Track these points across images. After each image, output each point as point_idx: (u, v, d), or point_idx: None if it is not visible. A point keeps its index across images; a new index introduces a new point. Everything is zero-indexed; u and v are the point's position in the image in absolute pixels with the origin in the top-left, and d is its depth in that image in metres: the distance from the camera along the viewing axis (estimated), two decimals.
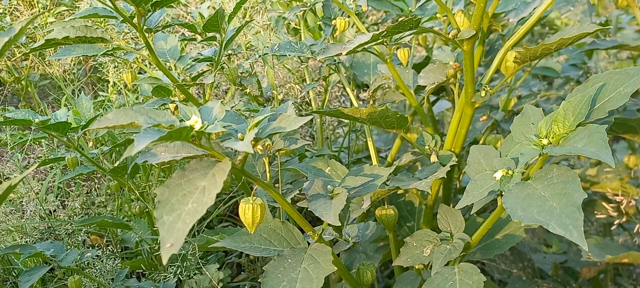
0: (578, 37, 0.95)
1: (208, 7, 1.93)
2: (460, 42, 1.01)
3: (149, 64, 1.49)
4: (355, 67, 1.50)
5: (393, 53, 1.19)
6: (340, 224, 0.82)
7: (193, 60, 1.29)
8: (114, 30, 1.44)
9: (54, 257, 1.17)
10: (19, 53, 2.09)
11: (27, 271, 1.13)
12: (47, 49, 1.97)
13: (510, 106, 1.45)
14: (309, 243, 0.94)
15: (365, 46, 0.96)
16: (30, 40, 2.07)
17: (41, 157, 1.73)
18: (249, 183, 1.30)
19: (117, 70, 1.88)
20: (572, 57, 1.69)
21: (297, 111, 1.56)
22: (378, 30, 0.90)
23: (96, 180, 1.80)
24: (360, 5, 1.21)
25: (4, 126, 1.70)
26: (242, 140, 0.74)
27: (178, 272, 1.30)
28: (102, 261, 1.29)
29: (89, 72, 2.35)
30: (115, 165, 1.39)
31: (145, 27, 1.08)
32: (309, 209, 0.88)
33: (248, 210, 0.82)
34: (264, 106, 1.47)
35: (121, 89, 1.95)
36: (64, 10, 2.22)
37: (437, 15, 1.40)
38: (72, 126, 1.28)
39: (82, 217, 1.58)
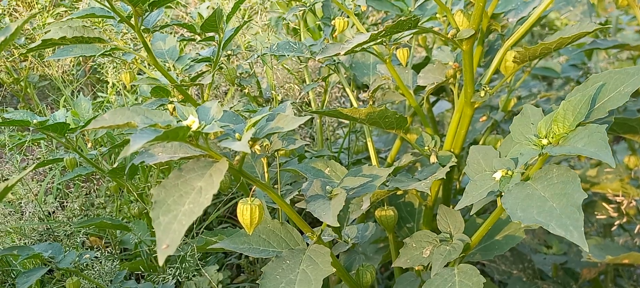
0: (577, 36, 0.94)
1: (207, 8, 1.92)
2: (459, 42, 1.00)
3: (148, 64, 1.48)
4: (355, 68, 1.49)
5: (392, 53, 1.18)
6: (339, 225, 0.82)
7: (192, 61, 1.28)
8: (112, 31, 1.44)
9: (52, 258, 1.17)
10: (18, 54, 2.09)
11: (25, 273, 1.13)
12: (46, 50, 1.97)
13: (510, 106, 1.44)
14: (307, 245, 0.93)
15: (364, 46, 0.95)
16: (30, 41, 2.07)
17: (40, 158, 1.73)
18: (248, 184, 1.29)
19: (116, 71, 1.87)
20: (572, 57, 1.68)
21: (296, 111, 1.56)
22: (377, 30, 0.90)
23: (95, 182, 1.79)
24: (359, 6, 1.20)
25: (2, 127, 1.69)
26: (240, 140, 0.74)
27: (177, 274, 1.30)
28: (100, 262, 1.29)
29: (88, 73, 2.35)
30: (114, 166, 1.39)
31: (142, 28, 1.08)
32: (307, 210, 0.88)
33: (246, 211, 0.81)
34: (263, 107, 1.46)
35: (120, 90, 1.94)
36: (63, 11, 2.22)
37: (437, 15, 1.39)
38: (70, 127, 1.28)
39: (81, 218, 1.57)
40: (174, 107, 1.25)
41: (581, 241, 0.65)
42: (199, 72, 1.28)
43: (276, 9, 1.68)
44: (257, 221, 0.82)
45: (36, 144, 1.79)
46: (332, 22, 1.28)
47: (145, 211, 1.49)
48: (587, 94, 0.75)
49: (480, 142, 1.49)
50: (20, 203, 1.58)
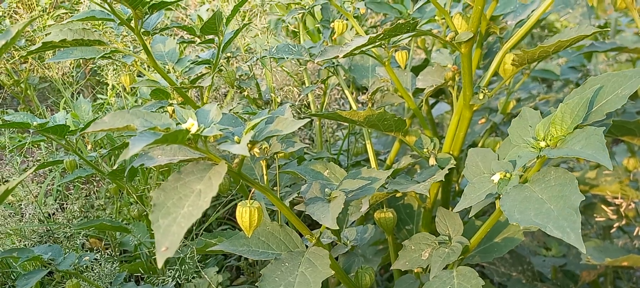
0: (576, 40, 0.95)
1: (207, 10, 1.93)
2: (458, 44, 1.01)
3: (148, 67, 1.49)
4: (354, 70, 1.49)
5: (391, 56, 1.18)
6: (338, 227, 0.82)
7: (191, 63, 1.28)
8: (113, 34, 1.44)
9: (52, 260, 1.17)
10: (18, 56, 2.09)
11: (25, 275, 1.13)
12: (46, 52, 1.97)
13: (509, 109, 1.45)
14: (306, 247, 0.93)
15: (363, 49, 0.96)
16: (30, 43, 2.07)
17: (40, 160, 1.73)
18: (247, 186, 1.29)
19: (116, 74, 1.88)
20: (571, 59, 1.69)
21: (295, 114, 1.56)
22: (376, 33, 0.90)
23: (95, 184, 1.80)
24: (358, 8, 1.21)
25: (3, 129, 1.69)
26: (239, 143, 0.74)
27: (176, 276, 1.30)
28: (100, 264, 1.29)
29: (88, 75, 2.35)
30: (114, 168, 1.39)
31: (142, 30, 1.08)
32: (307, 212, 0.88)
33: (245, 213, 0.81)
34: (263, 109, 1.47)
35: (120, 92, 1.95)
36: (63, 13, 2.23)
37: (436, 18, 1.39)
38: (70, 129, 1.28)
39: (81, 220, 1.57)
40: (174, 109, 1.25)
41: (578, 243, 0.65)
42: (199, 75, 1.29)
43: (275, 11, 1.69)
44: (256, 224, 0.82)
45: (36, 146, 1.80)
46: (331, 25, 1.28)
47: (145, 213, 1.49)
48: (584, 96, 0.76)
49: (479, 145, 1.49)
50: (21, 205, 1.59)
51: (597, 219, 1.45)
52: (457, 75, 1.19)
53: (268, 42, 1.54)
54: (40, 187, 1.72)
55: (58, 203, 1.71)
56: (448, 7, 1.27)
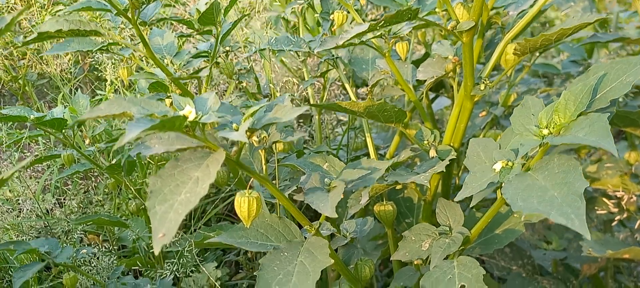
0: (578, 28, 0.94)
1: (206, 4, 1.92)
2: (459, 33, 1.00)
3: (146, 61, 1.48)
4: (354, 63, 1.48)
5: (391, 48, 1.17)
6: (337, 216, 0.81)
7: (190, 57, 1.27)
8: (111, 28, 1.43)
9: (48, 253, 1.16)
10: (16, 51, 2.08)
11: (21, 267, 1.12)
12: (44, 46, 1.96)
13: (510, 102, 1.43)
14: (305, 238, 0.92)
15: (363, 37, 0.95)
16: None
17: (38, 155, 1.72)
18: (245, 178, 1.28)
19: (114, 69, 1.87)
20: (572, 53, 1.68)
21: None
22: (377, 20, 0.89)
23: (93, 179, 1.78)
24: (358, 0, 1.19)
25: (0, 124, 1.68)
26: (237, 130, 0.73)
27: (175, 270, 1.29)
28: (98, 258, 1.28)
29: (87, 71, 2.34)
30: (112, 162, 1.38)
31: (139, 21, 1.07)
32: (306, 203, 0.87)
33: (244, 203, 0.80)
34: None
35: (118, 87, 1.94)
36: (61, 10, 2.21)
37: (436, 10, 1.38)
38: (68, 123, 1.27)
39: (79, 215, 1.56)
40: (172, 101, 1.24)
41: (583, 229, 0.64)
42: (198, 68, 1.28)
43: (275, 4, 1.68)
44: (254, 213, 0.81)
45: (34, 141, 1.78)
46: (331, 17, 1.27)
47: (143, 207, 1.48)
48: (588, 83, 0.75)
49: (480, 137, 1.48)
50: (18, 200, 1.57)
51: (598, 212, 1.44)
52: (458, 67, 1.18)
53: (266, 33, 1.53)
54: (38, 182, 1.71)
55: (56, 198, 1.70)
56: None
